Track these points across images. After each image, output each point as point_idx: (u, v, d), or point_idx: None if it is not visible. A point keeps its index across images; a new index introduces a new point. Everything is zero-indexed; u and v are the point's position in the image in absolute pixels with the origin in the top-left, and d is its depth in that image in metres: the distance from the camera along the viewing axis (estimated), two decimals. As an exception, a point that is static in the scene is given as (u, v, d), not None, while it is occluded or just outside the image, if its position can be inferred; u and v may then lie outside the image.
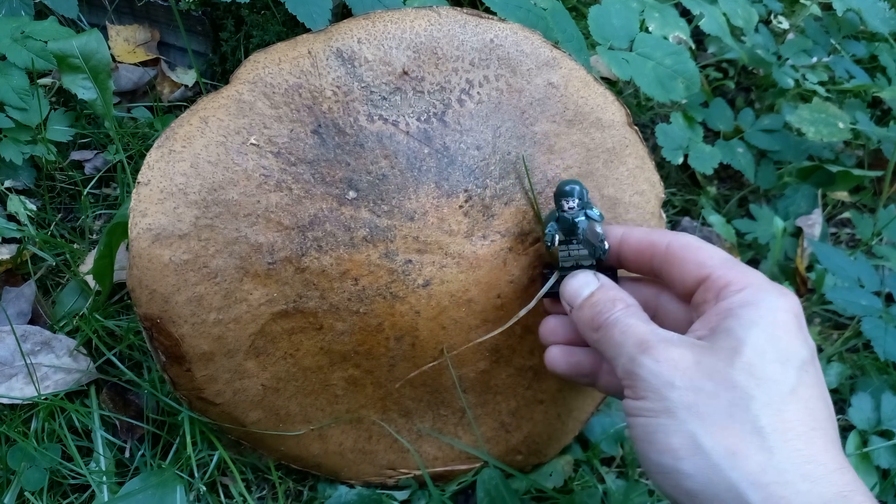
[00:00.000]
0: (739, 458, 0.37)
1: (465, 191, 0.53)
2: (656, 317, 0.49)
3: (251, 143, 0.50)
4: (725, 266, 0.44)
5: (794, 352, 0.40)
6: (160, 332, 0.49)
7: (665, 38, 0.75)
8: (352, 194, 0.51)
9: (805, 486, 0.36)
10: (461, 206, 0.53)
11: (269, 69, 0.51)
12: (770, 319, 0.40)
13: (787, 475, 0.36)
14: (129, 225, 0.46)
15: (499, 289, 0.55)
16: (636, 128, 0.58)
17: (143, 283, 0.47)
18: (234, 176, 0.49)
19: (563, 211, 0.50)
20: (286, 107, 0.51)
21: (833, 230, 0.91)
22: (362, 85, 0.51)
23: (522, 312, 0.53)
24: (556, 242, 0.50)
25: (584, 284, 0.49)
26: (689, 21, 0.86)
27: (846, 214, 0.93)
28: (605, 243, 0.49)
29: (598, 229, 0.49)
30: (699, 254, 0.45)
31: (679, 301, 0.48)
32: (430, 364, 0.55)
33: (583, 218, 0.50)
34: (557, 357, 0.52)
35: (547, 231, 0.51)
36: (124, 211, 0.50)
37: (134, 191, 0.47)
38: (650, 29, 0.75)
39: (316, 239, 0.51)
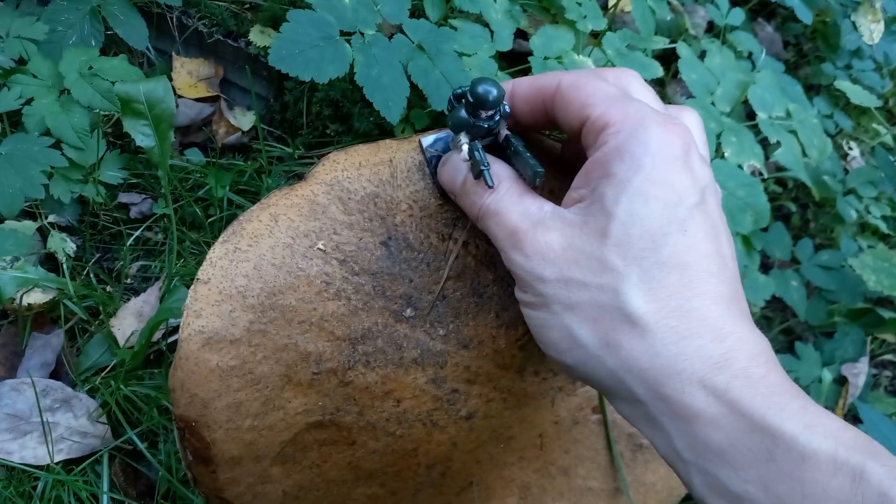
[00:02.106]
0: (613, 348, 0.35)
1: (525, 324, 0.51)
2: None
3: (318, 248, 0.48)
4: (606, 103, 0.38)
5: (672, 206, 0.36)
6: (193, 434, 0.46)
7: (740, 166, 0.73)
8: (409, 312, 0.49)
9: (681, 364, 0.33)
10: (518, 339, 0.51)
11: (347, 173, 0.49)
12: (646, 171, 0.36)
13: (661, 359, 0.34)
14: (182, 324, 0.44)
15: (542, 428, 0.53)
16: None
17: (186, 386, 0.45)
18: (295, 281, 0.47)
19: (479, 119, 0.41)
20: (359, 214, 0.49)
21: (874, 371, 0.89)
22: (440, 202, 0.49)
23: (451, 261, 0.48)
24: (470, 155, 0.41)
25: (456, 170, 0.44)
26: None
27: (888, 356, 0.91)
28: (541, 168, 0.40)
29: (525, 152, 0.41)
30: (583, 91, 0.39)
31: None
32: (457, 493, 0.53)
33: (507, 132, 0.42)
34: None
35: (463, 146, 0.41)
36: (169, 305, 0.48)
37: (192, 287, 0.45)
38: (726, 155, 0.72)
39: (365, 353, 0.49)
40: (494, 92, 0.40)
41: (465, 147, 0.42)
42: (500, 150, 0.44)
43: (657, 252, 0.35)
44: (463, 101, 0.42)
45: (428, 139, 0.47)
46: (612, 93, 0.39)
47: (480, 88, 0.40)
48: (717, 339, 0.34)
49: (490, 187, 0.41)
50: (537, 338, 0.39)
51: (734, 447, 0.32)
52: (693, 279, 0.35)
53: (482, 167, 0.41)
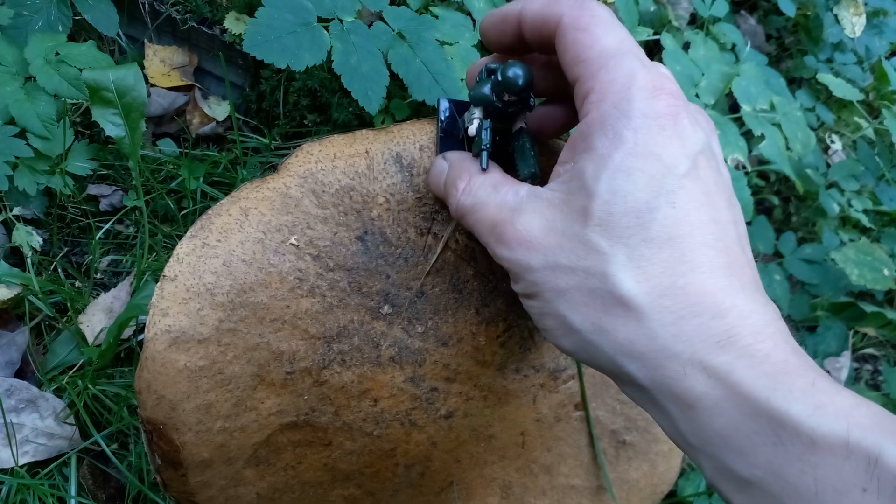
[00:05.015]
0: (608, 333, 0.33)
1: (505, 320, 0.49)
2: None
3: (291, 243, 0.46)
4: (598, 63, 0.36)
5: (659, 178, 0.34)
6: (161, 437, 0.45)
7: (724, 159, 0.72)
8: (386, 309, 0.48)
9: (679, 346, 0.32)
10: (499, 336, 0.49)
11: (322, 164, 0.47)
12: (627, 144, 0.34)
13: (659, 340, 0.32)
14: (148, 323, 0.42)
15: (523, 426, 0.52)
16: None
17: (152, 387, 0.43)
18: (266, 277, 0.46)
19: (500, 100, 0.40)
20: (334, 208, 0.47)
21: (856, 365, 0.89)
22: (418, 196, 0.48)
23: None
24: (479, 133, 0.41)
25: (439, 171, 0.43)
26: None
27: (869, 350, 0.91)
28: (538, 171, 0.40)
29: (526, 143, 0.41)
30: (578, 41, 0.37)
31: None
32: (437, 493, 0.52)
33: (523, 124, 0.41)
34: None
35: (474, 121, 0.41)
36: (140, 301, 0.46)
37: (158, 285, 0.43)
38: (710, 147, 0.71)
39: (341, 352, 0.47)
40: (522, 80, 0.38)
41: (476, 122, 0.41)
42: (507, 140, 0.43)
43: (644, 229, 0.33)
44: (492, 77, 0.40)
45: (446, 100, 0.46)
46: (606, 47, 0.36)
47: (511, 71, 0.38)
48: (717, 315, 0.32)
49: (483, 170, 0.40)
50: (537, 325, 0.38)
51: (739, 432, 0.30)
52: (686, 252, 0.33)
53: (482, 147, 0.40)
